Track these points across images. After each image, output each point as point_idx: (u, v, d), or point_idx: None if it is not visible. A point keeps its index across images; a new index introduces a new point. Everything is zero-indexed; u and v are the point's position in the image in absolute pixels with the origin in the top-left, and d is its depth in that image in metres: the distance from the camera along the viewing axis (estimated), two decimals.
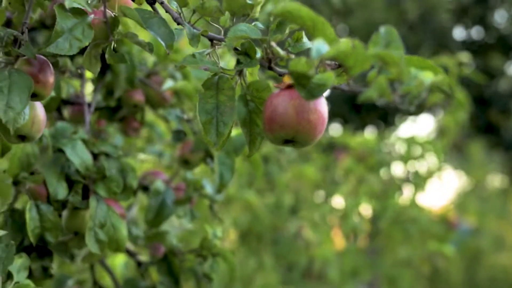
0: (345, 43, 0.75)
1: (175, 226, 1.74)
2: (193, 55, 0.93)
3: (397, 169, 4.03)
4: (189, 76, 1.49)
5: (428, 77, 0.75)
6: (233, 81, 0.95)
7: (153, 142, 1.84)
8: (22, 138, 1.02)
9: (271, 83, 0.93)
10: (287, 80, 0.89)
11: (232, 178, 1.38)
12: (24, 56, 0.98)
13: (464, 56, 3.26)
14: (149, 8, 1.04)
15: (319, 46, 0.76)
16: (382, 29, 0.78)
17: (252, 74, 0.98)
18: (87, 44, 0.98)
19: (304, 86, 0.79)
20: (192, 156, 1.41)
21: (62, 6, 0.98)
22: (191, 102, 1.43)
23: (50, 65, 1.01)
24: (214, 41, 0.98)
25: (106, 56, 1.04)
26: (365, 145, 3.74)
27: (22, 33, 1.00)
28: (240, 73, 0.95)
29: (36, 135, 1.03)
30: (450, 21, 8.54)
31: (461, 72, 3.33)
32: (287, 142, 0.90)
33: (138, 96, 1.50)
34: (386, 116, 7.72)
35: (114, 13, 1.04)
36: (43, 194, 1.24)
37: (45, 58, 1.00)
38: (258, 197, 3.34)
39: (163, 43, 0.97)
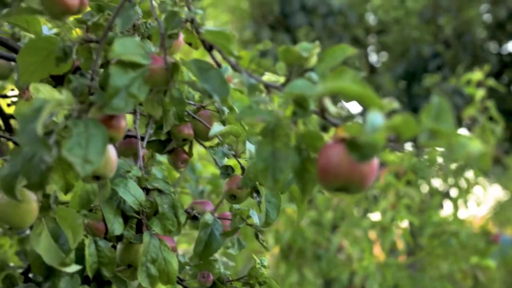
0: (398, 117, 0.80)
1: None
2: (250, 107, 0.97)
3: (437, 183, 4.01)
4: (234, 110, 1.53)
5: (475, 147, 0.78)
6: (288, 128, 0.99)
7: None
8: (97, 178, 1.07)
9: (324, 134, 0.97)
10: (340, 132, 0.92)
11: (277, 217, 1.42)
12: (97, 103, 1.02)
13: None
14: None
15: (374, 119, 0.79)
16: (435, 100, 0.81)
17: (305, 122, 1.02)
18: (142, 99, 1.02)
19: (356, 148, 0.82)
20: (239, 191, 1.44)
21: (119, 61, 1.02)
22: (238, 139, 1.47)
23: None
24: (270, 88, 1.02)
25: (166, 100, 1.09)
26: (404, 160, 3.74)
27: (92, 80, 1.05)
28: (295, 122, 0.98)
29: (110, 174, 1.08)
30: (485, 36, 8.49)
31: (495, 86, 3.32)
32: (339, 190, 0.93)
33: (187, 130, 1.54)
34: None
35: (173, 60, 1.09)
36: (100, 229, 1.29)
37: None
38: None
39: (217, 98, 1.02)
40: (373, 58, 9.12)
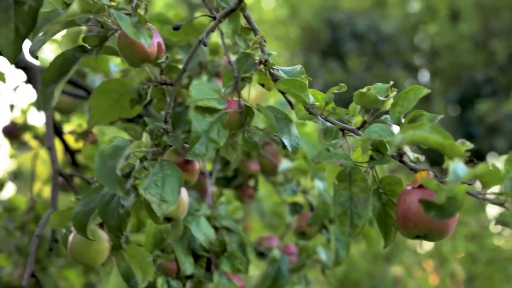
0: (481, 167, 0.79)
1: None
2: (327, 149, 0.97)
3: (493, 210, 3.95)
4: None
5: None
6: (365, 172, 0.99)
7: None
8: (168, 219, 1.08)
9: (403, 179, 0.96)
10: (420, 177, 0.91)
11: (347, 255, 1.41)
12: (172, 146, 1.04)
13: None
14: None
15: (457, 169, 0.78)
16: None
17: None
18: (221, 144, 1.03)
19: (434, 207, 0.81)
20: (309, 228, 1.44)
21: (197, 107, 1.04)
22: (305, 176, 1.48)
23: None
24: (345, 131, 1.02)
25: (240, 143, 1.09)
26: None
27: (166, 122, 1.07)
28: (372, 166, 0.98)
29: (181, 216, 1.09)
30: None
31: None
32: (419, 237, 0.92)
33: (254, 166, 1.55)
34: (481, 158, 7.56)
35: (247, 103, 1.09)
36: (172, 269, 1.30)
37: None
38: (353, 244, 3.34)
39: (289, 148, 1.02)
40: (425, 83, 9.04)
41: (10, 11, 0.91)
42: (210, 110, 1.04)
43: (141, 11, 1.06)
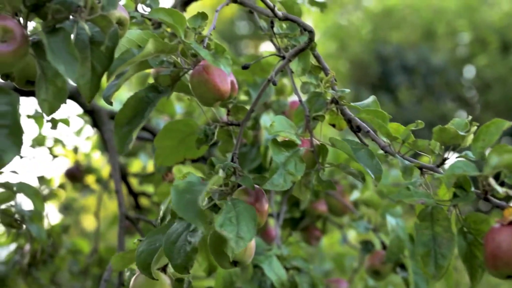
0: None
1: None
2: (407, 188, 0.95)
3: None
4: (369, 185, 1.51)
5: None
6: (447, 211, 0.96)
7: None
8: (235, 263, 1.06)
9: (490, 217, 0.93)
10: (509, 214, 0.88)
11: None
12: (241, 186, 1.03)
13: None
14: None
15: None
16: None
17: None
18: (299, 177, 1.01)
19: None
20: (383, 267, 1.41)
21: (274, 140, 1.03)
22: (377, 212, 1.45)
23: (264, 193, 1.05)
24: (424, 170, 1.00)
25: (314, 183, 1.08)
26: None
27: (233, 161, 1.06)
28: (455, 205, 0.95)
29: (248, 260, 1.06)
30: None
31: None
32: (510, 277, 0.88)
33: (322, 207, 1.53)
34: None
35: (320, 142, 1.08)
36: None
37: (259, 187, 1.05)
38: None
39: (372, 175, 1.00)
40: (476, 116, 8.91)
41: (86, 50, 0.92)
42: (286, 145, 1.03)
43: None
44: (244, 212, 0.96)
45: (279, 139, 1.04)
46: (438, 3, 8.40)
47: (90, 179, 2.22)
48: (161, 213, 1.08)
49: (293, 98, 1.56)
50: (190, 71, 1.04)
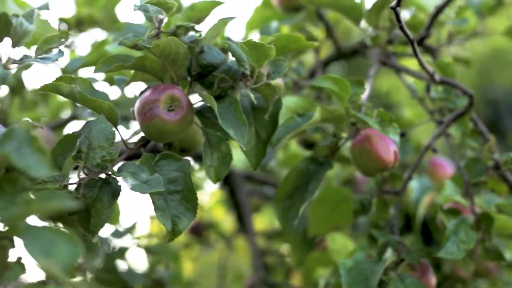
0: None
1: None
2: None
3: None
4: None
5: None
6: None
7: None
8: None
9: None
10: None
11: None
12: (406, 260, 1.00)
13: None
14: None
15: None
16: None
17: None
18: (471, 246, 0.98)
19: None
20: None
21: (441, 209, 1.01)
22: None
23: (430, 267, 1.02)
24: None
25: (480, 253, 1.04)
26: None
27: (392, 233, 1.03)
28: None
29: None
30: None
31: None
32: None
33: (463, 272, 1.45)
34: None
35: (482, 210, 1.04)
36: None
37: (424, 260, 1.02)
38: None
39: None
40: None
41: (249, 117, 0.91)
42: (452, 213, 1.01)
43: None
44: (413, 287, 0.94)
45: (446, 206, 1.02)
46: None
47: (212, 236, 2.21)
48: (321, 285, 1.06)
49: (433, 157, 1.51)
50: (350, 141, 1.01)
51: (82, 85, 0.83)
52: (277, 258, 1.92)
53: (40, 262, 0.54)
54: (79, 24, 1.33)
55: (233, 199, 1.71)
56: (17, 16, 0.67)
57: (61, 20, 1.32)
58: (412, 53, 0.96)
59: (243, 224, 1.75)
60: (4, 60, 0.69)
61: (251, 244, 1.52)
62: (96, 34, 1.41)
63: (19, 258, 0.64)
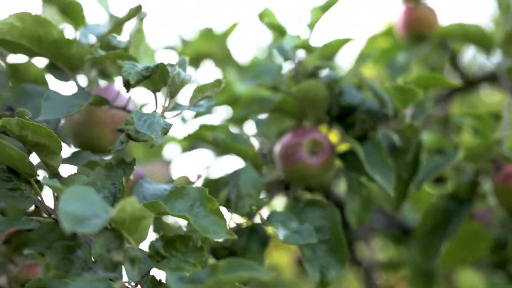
0: None
1: None
2: None
3: None
4: None
5: None
6: None
7: None
8: None
9: None
10: None
11: None
12: None
13: None
14: None
15: None
16: None
17: None
18: None
19: None
20: None
21: None
22: None
23: None
24: None
25: None
26: None
27: None
28: None
29: None
30: None
31: None
32: None
33: None
34: None
35: None
36: None
37: None
38: None
39: None
40: None
41: (389, 158, 0.88)
42: None
43: None
44: None
45: None
46: None
47: None
48: None
49: None
50: (489, 178, 0.97)
51: (221, 131, 0.82)
52: None
53: None
54: (197, 59, 1.33)
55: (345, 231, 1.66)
56: (172, 65, 0.67)
57: (182, 54, 1.30)
58: None
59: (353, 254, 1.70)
60: (160, 110, 0.69)
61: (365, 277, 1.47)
62: (211, 69, 1.40)
63: None
